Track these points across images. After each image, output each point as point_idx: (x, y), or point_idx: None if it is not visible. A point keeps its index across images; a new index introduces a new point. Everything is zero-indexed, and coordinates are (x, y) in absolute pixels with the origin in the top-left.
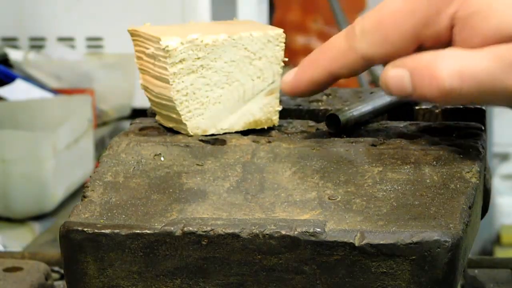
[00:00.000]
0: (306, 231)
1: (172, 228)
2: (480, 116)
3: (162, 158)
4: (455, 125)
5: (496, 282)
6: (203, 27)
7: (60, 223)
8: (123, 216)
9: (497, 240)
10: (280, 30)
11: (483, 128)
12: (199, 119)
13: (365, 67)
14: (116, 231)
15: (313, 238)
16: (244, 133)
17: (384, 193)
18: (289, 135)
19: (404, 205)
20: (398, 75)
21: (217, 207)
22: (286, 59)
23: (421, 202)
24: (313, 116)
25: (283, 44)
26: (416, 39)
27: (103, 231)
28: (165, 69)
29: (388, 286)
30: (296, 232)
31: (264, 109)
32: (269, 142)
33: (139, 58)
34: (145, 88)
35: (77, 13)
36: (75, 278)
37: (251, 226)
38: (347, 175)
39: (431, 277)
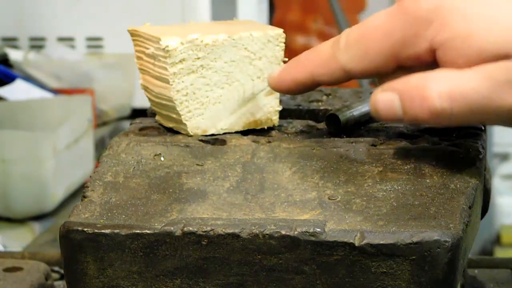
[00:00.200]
0: (306, 231)
1: (172, 228)
2: None
3: (162, 158)
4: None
5: (496, 282)
6: (203, 27)
7: (60, 223)
8: (123, 216)
9: (497, 240)
10: (280, 30)
11: (483, 128)
12: (199, 119)
13: (346, 79)
14: (116, 231)
15: (313, 238)
16: (244, 133)
17: (384, 193)
18: (289, 135)
19: (404, 205)
20: (387, 99)
21: (217, 207)
22: (286, 59)
23: (421, 202)
24: (313, 116)
25: (283, 44)
26: (395, 58)
27: (103, 231)
28: (165, 69)
29: (388, 286)
30: (296, 232)
31: (264, 109)
32: (269, 142)
33: (139, 58)
34: (145, 88)
35: (77, 13)
36: (75, 278)
37: (251, 226)
38: (347, 175)
39: (431, 277)
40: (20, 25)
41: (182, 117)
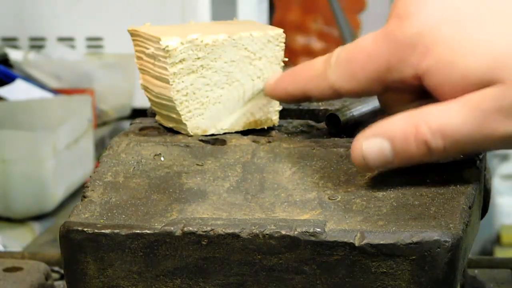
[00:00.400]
0: (306, 231)
1: (172, 228)
2: None
3: (162, 158)
4: None
5: (496, 282)
6: (203, 27)
7: (60, 223)
8: (123, 216)
9: (497, 240)
10: (280, 30)
11: None
12: (199, 119)
13: (335, 96)
14: (116, 231)
15: (313, 238)
16: (244, 133)
17: (384, 193)
18: (289, 135)
19: (404, 205)
20: (375, 145)
21: (217, 207)
22: (286, 59)
23: (421, 202)
24: (313, 116)
25: (283, 44)
26: (381, 82)
27: (103, 231)
28: (165, 69)
29: (388, 286)
30: (296, 232)
31: (264, 109)
32: (269, 142)
33: (139, 58)
34: (145, 88)
35: (77, 13)
36: (75, 278)
37: (251, 226)
38: (347, 175)
39: (431, 277)
40: (20, 25)
41: (182, 117)
